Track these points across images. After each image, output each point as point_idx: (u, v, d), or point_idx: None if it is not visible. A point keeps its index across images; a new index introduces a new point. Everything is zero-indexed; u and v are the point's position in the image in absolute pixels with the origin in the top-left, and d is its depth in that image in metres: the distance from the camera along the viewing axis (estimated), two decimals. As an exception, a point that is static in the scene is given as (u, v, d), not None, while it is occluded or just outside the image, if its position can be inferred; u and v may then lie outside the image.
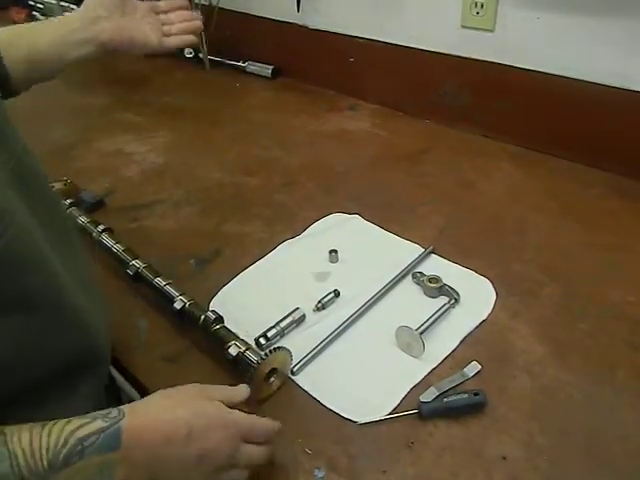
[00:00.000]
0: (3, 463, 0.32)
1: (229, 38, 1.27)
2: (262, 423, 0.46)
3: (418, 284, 0.65)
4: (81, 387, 0.47)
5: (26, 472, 0.33)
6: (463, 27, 0.88)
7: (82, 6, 0.64)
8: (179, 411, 0.41)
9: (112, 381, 0.78)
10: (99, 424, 0.37)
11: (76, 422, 0.36)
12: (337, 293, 0.64)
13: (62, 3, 1.44)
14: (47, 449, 0.34)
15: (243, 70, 1.25)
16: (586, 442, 0.48)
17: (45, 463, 0.34)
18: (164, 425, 0.39)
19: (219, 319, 0.58)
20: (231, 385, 0.49)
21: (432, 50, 0.94)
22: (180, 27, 0.69)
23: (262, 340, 0.58)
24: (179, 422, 0.40)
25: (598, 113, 0.79)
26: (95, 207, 0.83)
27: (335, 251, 0.69)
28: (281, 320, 0.60)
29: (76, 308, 0.44)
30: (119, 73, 1.35)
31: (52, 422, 0.36)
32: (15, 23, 1.70)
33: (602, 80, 0.77)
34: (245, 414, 0.45)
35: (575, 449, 0.48)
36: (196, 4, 1.20)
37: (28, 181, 0.42)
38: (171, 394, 0.43)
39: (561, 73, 0.81)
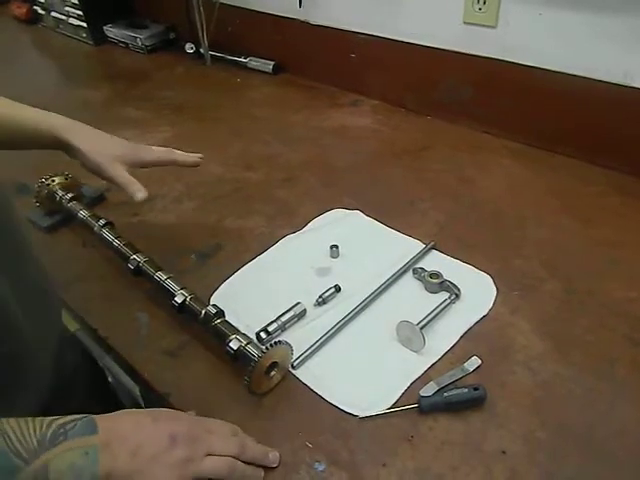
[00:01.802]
0: None
1: (230, 34, 1.26)
2: (221, 422, 0.47)
3: (419, 279, 0.65)
4: (18, 401, 0.46)
5: (20, 448, 0.35)
6: (465, 23, 0.88)
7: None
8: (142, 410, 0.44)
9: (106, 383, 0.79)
10: (72, 417, 0.39)
11: (54, 417, 0.38)
12: (338, 288, 0.64)
13: (63, -2, 1.43)
14: (34, 430, 0.36)
15: (244, 66, 1.25)
16: (585, 437, 0.48)
17: (35, 442, 0.36)
18: (131, 415, 0.43)
19: (220, 313, 0.58)
20: (230, 380, 0.49)
21: (434, 46, 0.94)
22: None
23: (263, 334, 0.58)
24: (144, 412, 0.43)
25: (599, 110, 0.79)
26: (96, 201, 0.83)
27: (336, 246, 0.69)
28: (282, 314, 0.60)
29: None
30: (120, 68, 1.35)
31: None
32: (16, 18, 1.71)
33: (604, 77, 0.77)
34: None
35: (574, 444, 0.48)
36: (197, -1, 1.20)
37: None
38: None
39: (563, 70, 0.81)
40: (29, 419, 0.37)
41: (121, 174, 0.64)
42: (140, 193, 0.64)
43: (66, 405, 0.43)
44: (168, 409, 0.46)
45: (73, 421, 0.38)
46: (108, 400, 0.76)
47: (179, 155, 0.71)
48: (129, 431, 0.40)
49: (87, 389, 0.67)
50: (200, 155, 0.72)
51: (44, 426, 0.37)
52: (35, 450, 0.36)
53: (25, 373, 0.48)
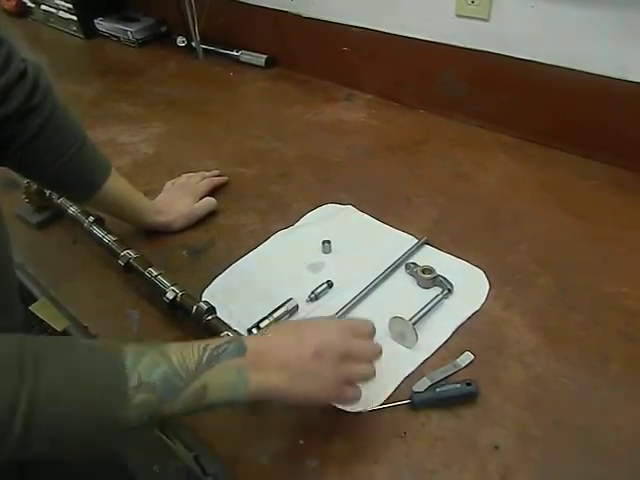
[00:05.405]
0: (161, 367, 0.39)
1: (222, 26, 1.25)
2: (363, 321, 0.50)
3: (411, 275, 0.65)
4: None
5: (181, 371, 0.39)
6: (458, 16, 0.87)
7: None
8: (288, 322, 0.51)
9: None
10: (225, 338, 0.44)
11: (206, 340, 0.43)
12: (330, 284, 0.63)
13: (53, -9, 1.41)
14: (192, 354, 0.41)
15: (237, 59, 1.24)
16: (579, 432, 0.48)
17: (193, 365, 0.40)
18: (277, 334, 0.46)
19: (211, 310, 0.57)
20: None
21: (427, 39, 0.93)
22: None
23: (255, 331, 0.58)
24: (288, 329, 0.47)
25: (595, 104, 0.79)
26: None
27: (328, 242, 0.69)
28: (274, 311, 0.60)
29: None
30: (111, 62, 1.34)
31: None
32: (5, 10, 1.67)
33: (599, 70, 0.77)
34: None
35: (568, 439, 0.48)
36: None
37: None
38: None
39: (557, 63, 0.80)
40: (187, 344, 0.42)
41: (201, 211, 0.76)
42: (214, 203, 0.78)
43: None
44: (316, 319, 0.50)
45: (225, 344, 0.43)
46: None
47: (218, 180, 0.83)
48: (275, 350, 0.44)
49: None
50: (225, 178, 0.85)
51: (200, 350, 0.41)
52: (193, 373, 0.40)
53: None
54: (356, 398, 0.47)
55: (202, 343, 0.42)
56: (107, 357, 0.39)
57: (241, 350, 0.43)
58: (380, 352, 0.48)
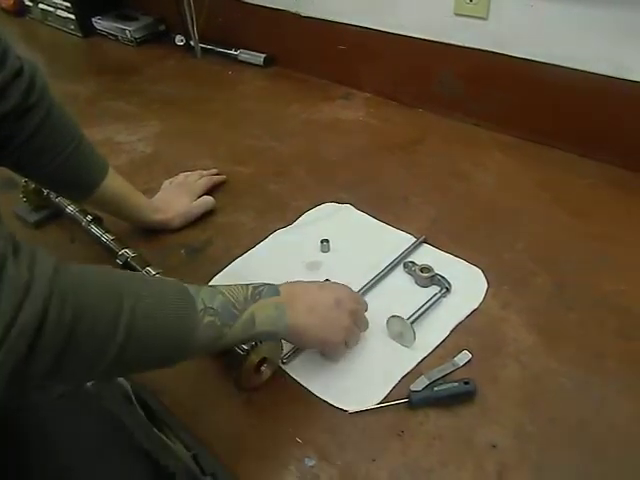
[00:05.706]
0: (218, 296, 0.45)
1: (221, 26, 1.25)
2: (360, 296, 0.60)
3: (410, 273, 0.65)
4: None
5: (234, 302, 0.45)
6: (456, 15, 0.87)
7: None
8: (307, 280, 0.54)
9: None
10: (259, 283, 0.49)
11: (244, 283, 0.48)
12: (328, 283, 0.64)
13: (51, -11, 1.41)
14: (238, 291, 0.47)
15: (235, 58, 1.24)
16: (576, 431, 0.48)
17: (242, 298, 0.46)
18: (302, 284, 0.53)
19: (209, 309, 0.57)
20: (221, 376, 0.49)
21: (425, 38, 0.93)
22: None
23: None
24: (311, 283, 0.54)
25: (592, 102, 0.79)
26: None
27: (327, 240, 0.69)
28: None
29: None
30: (109, 61, 1.34)
31: None
32: (3, 9, 1.67)
33: (596, 69, 0.77)
34: None
35: (565, 438, 0.48)
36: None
37: None
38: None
39: (555, 62, 0.80)
40: (229, 284, 0.47)
41: (198, 210, 0.76)
42: (212, 201, 0.78)
43: None
44: (331, 282, 0.57)
45: (261, 286, 0.49)
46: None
47: (216, 179, 0.83)
48: (303, 295, 0.51)
49: None
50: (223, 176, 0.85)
51: (244, 288, 0.47)
52: (243, 304, 0.46)
53: None
54: (342, 357, 0.55)
55: (243, 284, 0.48)
56: (173, 285, 0.44)
57: (276, 291, 0.49)
58: (367, 326, 0.56)
